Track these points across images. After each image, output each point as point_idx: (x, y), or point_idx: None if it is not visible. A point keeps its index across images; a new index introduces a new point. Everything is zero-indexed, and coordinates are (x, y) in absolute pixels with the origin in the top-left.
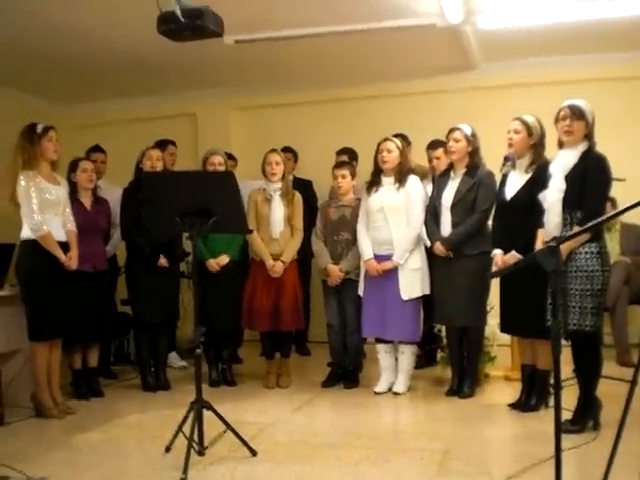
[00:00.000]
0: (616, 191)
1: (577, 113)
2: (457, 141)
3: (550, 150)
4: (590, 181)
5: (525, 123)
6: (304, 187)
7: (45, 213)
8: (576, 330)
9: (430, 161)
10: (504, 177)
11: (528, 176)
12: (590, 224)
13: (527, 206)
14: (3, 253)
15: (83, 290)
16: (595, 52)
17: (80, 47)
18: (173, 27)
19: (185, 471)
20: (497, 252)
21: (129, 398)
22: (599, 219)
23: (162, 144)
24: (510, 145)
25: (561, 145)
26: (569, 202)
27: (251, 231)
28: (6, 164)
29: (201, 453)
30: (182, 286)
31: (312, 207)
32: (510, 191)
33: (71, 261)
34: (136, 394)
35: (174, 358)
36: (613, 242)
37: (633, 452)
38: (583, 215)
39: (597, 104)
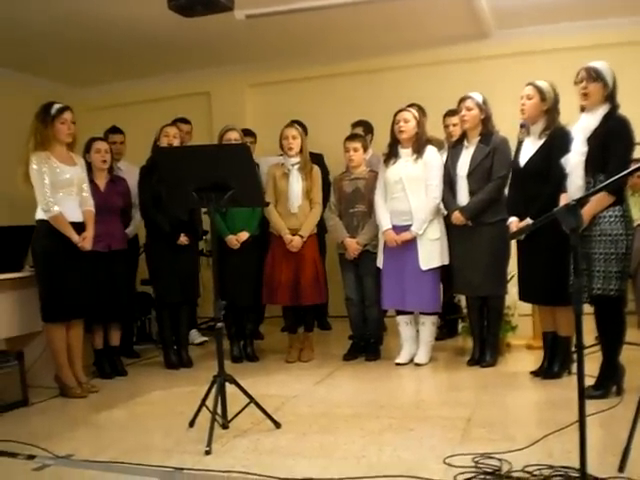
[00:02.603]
0: (636, 155)
1: (593, 75)
2: (469, 109)
3: (572, 117)
4: (612, 144)
5: (538, 88)
6: (315, 161)
7: (58, 194)
8: (601, 295)
9: (447, 127)
10: (519, 144)
11: (542, 142)
12: (608, 181)
13: (541, 172)
14: (22, 235)
15: (98, 270)
16: (611, 16)
17: (92, 29)
18: (183, 2)
19: (209, 444)
20: (512, 219)
21: (152, 376)
22: (617, 176)
23: (175, 122)
24: (522, 111)
25: (583, 109)
26: (591, 165)
27: (268, 204)
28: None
29: (225, 426)
30: (201, 264)
31: (323, 181)
32: (524, 157)
33: (85, 241)
34: (159, 372)
35: (194, 335)
36: (636, 207)
37: None
38: (606, 178)
39: (615, 70)
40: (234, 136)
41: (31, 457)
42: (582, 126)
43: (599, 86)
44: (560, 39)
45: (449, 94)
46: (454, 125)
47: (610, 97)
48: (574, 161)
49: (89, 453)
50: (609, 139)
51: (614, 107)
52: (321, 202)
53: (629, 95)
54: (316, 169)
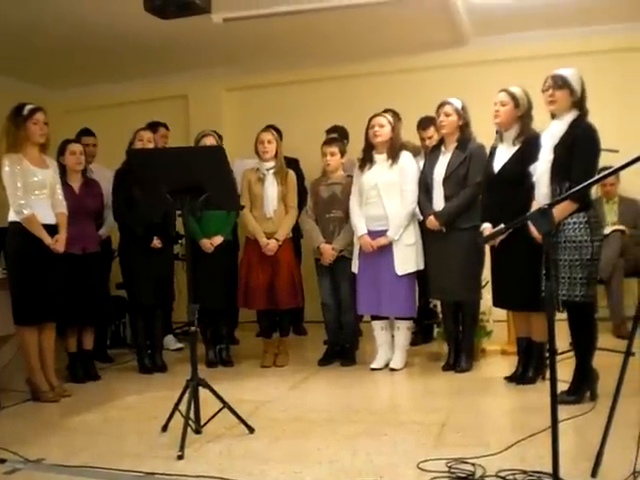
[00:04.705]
0: (609, 163)
1: (559, 82)
2: (448, 115)
3: (546, 124)
4: (578, 151)
5: (512, 94)
6: (290, 166)
7: (30, 196)
8: (566, 301)
9: (422, 140)
10: (492, 150)
11: (515, 148)
12: (574, 189)
13: (515, 179)
14: None
15: (72, 273)
16: (586, 25)
17: (69, 30)
18: (159, 3)
19: (182, 449)
20: (486, 226)
21: (126, 380)
22: (583, 184)
23: (153, 126)
24: (496, 117)
25: (554, 116)
26: (557, 173)
27: (243, 207)
28: None
29: (198, 431)
30: (176, 268)
31: (298, 186)
32: (498, 164)
33: (57, 244)
34: (133, 376)
35: (170, 340)
36: (611, 214)
37: (629, 422)
38: (571, 186)
39: (589, 77)
40: (210, 141)
41: (2, 461)
42: (551, 133)
43: (565, 93)
44: (537, 47)
45: (425, 101)
46: (429, 138)
47: (579, 104)
48: (541, 169)
49: (60, 458)
50: (575, 146)
51: (582, 114)
52: (296, 206)
53: (603, 102)
54: (291, 174)
